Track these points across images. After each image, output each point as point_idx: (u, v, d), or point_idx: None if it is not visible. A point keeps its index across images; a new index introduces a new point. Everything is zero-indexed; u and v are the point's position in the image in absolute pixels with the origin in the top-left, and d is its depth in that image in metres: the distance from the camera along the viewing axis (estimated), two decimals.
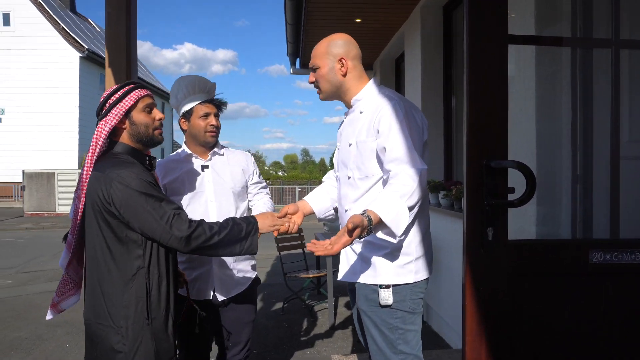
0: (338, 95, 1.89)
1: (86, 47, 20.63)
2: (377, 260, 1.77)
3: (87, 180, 1.65)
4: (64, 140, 20.13)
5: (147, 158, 1.78)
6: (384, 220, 1.53)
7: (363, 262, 1.82)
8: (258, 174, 2.49)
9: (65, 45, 21.21)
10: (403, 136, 1.66)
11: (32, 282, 6.68)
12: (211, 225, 1.66)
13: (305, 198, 2.13)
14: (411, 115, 1.73)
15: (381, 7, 4.67)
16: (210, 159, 2.30)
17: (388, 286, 1.74)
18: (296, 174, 43.79)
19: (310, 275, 5.03)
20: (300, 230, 5.67)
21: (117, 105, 1.69)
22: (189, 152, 2.28)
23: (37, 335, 4.32)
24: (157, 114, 1.76)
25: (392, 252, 1.75)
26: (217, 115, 2.29)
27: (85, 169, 1.67)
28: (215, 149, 2.32)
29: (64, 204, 16.36)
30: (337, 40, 1.86)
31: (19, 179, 17.85)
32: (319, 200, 2.10)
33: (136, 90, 1.72)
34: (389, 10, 4.80)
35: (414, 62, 4.92)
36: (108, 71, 3.05)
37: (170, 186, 2.22)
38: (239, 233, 1.69)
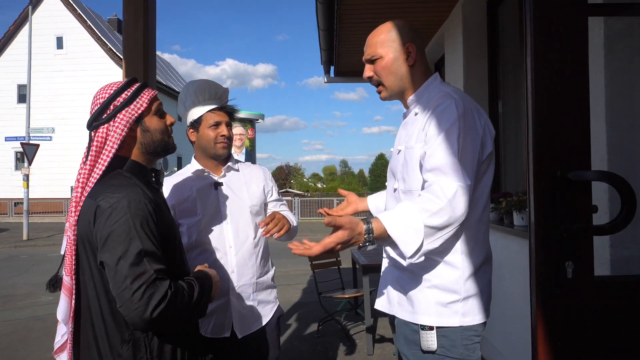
0: (402, 92, 1.57)
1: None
2: (416, 294, 1.46)
3: (79, 207, 1.33)
4: None
5: (153, 174, 1.47)
6: (389, 232, 1.25)
7: (401, 292, 1.51)
8: (277, 190, 2.20)
9: (113, 65, 22.10)
10: (449, 141, 1.35)
11: None
12: (182, 290, 1.28)
13: (368, 197, 1.90)
14: (470, 119, 1.40)
15: (418, 7, 4.35)
16: (224, 175, 2.02)
17: (431, 328, 1.42)
18: (335, 185, 43.56)
19: (347, 296, 4.69)
20: None
21: (127, 108, 1.36)
22: (200, 167, 2.00)
23: None
24: (168, 118, 1.48)
25: (435, 286, 1.43)
26: (229, 125, 2.00)
27: (78, 192, 1.34)
28: (230, 164, 2.04)
29: None
30: (401, 25, 1.54)
31: (68, 194, 18.50)
32: (379, 200, 1.84)
33: (147, 90, 1.42)
34: (426, 9, 4.46)
35: (455, 64, 4.54)
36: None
37: (180, 207, 1.95)
38: (204, 296, 1.36)
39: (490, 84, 4.19)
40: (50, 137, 21.04)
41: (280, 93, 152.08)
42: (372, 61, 1.56)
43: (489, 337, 3.72)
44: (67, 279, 1.36)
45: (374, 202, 1.86)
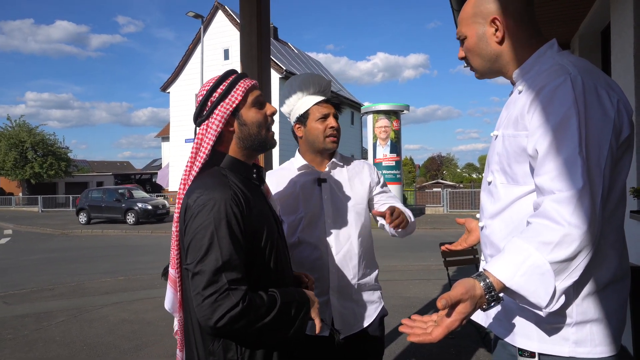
0: (497, 70, 1.34)
1: (284, 68, 22.99)
2: (516, 309, 1.20)
3: (179, 203, 1.35)
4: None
5: (254, 170, 1.43)
6: (507, 285, 1.02)
7: (502, 306, 1.27)
8: (383, 181, 2.07)
9: (272, 71, 24.07)
10: (566, 135, 1.07)
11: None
12: (258, 305, 1.23)
13: None
14: (593, 99, 1.09)
15: None
16: (328, 171, 1.96)
17: (532, 354, 1.17)
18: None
19: None
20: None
21: (222, 103, 1.33)
22: (304, 162, 1.96)
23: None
24: (269, 108, 1.40)
25: None
26: (336, 117, 1.94)
27: (181, 188, 1.35)
28: (334, 159, 1.97)
29: None
30: None
31: None
32: None
33: (243, 81, 1.36)
34: None
35: (624, 31, 3.76)
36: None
37: (284, 202, 1.93)
38: (287, 315, 1.28)
39: None
40: None
41: (432, 82, 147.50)
42: (462, 41, 1.36)
43: None
44: (172, 272, 1.37)
45: None
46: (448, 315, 1.03)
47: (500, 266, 1.05)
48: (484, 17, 1.28)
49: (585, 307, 1.14)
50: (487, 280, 1.04)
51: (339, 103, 1.97)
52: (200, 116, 1.36)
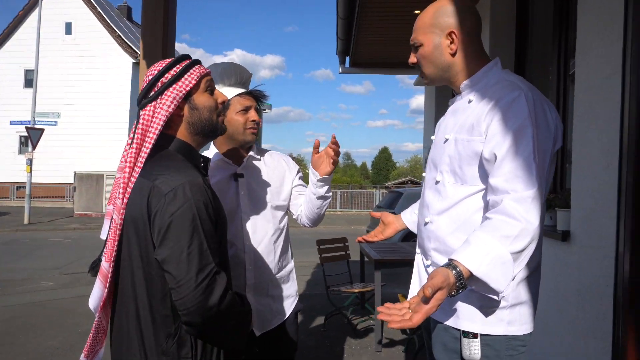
0: (446, 79, 1.44)
1: (139, 52, 21.25)
2: (459, 296, 1.30)
3: (129, 188, 1.22)
4: (115, 143, 20.70)
5: (202, 160, 1.37)
6: (474, 273, 1.13)
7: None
8: (300, 176, 2.06)
9: (120, 52, 22.01)
10: (522, 143, 1.21)
11: (72, 284, 6.64)
12: (242, 297, 1.27)
13: (402, 213, 1.76)
14: (541, 114, 1.26)
15: None
16: (245, 166, 1.88)
17: (475, 335, 1.30)
18: (337, 177, 43.48)
19: (355, 290, 4.61)
20: (344, 239, 5.30)
21: (175, 85, 1.27)
22: (220, 156, 1.86)
23: (70, 345, 4.13)
24: (219, 95, 1.37)
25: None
26: (257, 110, 1.87)
27: (126, 172, 1.23)
28: (252, 153, 1.90)
29: None
30: (446, 6, 1.39)
31: (71, 180, 18.48)
32: (414, 215, 1.69)
33: (197, 67, 1.32)
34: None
35: None
36: (142, 64, 2.79)
37: None
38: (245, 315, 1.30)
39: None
40: (56, 122, 21.05)
41: (287, 84, 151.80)
42: (415, 48, 1.44)
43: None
44: (106, 265, 1.24)
45: (410, 218, 1.73)
46: (425, 302, 1.10)
47: (469, 256, 1.14)
48: (441, 29, 1.38)
49: (518, 291, 1.32)
50: (458, 269, 1.12)
51: (262, 96, 1.91)
52: (146, 97, 1.28)
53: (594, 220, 2.37)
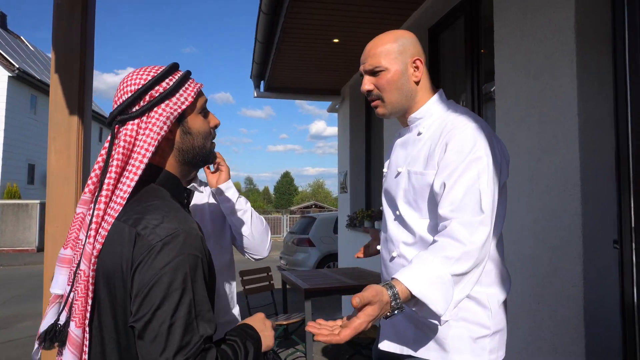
0: (407, 107, 1.42)
1: (17, 66, 18.96)
2: (443, 329, 1.29)
3: (103, 230, 0.94)
4: None
5: (185, 194, 1.13)
6: (412, 292, 1.08)
7: (417, 327, 1.33)
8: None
9: None
10: (470, 174, 1.23)
11: None
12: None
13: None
14: (491, 145, 1.29)
15: (362, 28, 4.35)
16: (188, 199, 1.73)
17: None
18: None
19: (283, 323, 4.42)
20: (267, 269, 5.10)
21: (169, 102, 1.02)
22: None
23: None
24: (213, 119, 1.14)
25: (463, 319, 1.30)
26: None
27: (100, 210, 0.95)
28: (195, 184, 1.78)
29: None
30: (407, 36, 1.40)
31: None
32: None
33: (192, 81, 1.08)
34: (369, 31, 4.48)
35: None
36: (54, 78, 2.41)
37: None
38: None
39: None
40: None
41: None
42: (373, 73, 1.39)
43: None
44: (78, 332, 0.92)
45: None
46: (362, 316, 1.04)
47: (408, 275, 1.11)
48: (410, 56, 1.38)
49: (498, 318, 1.32)
50: (394, 289, 1.08)
51: None
52: (126, 112, 1.01)
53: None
